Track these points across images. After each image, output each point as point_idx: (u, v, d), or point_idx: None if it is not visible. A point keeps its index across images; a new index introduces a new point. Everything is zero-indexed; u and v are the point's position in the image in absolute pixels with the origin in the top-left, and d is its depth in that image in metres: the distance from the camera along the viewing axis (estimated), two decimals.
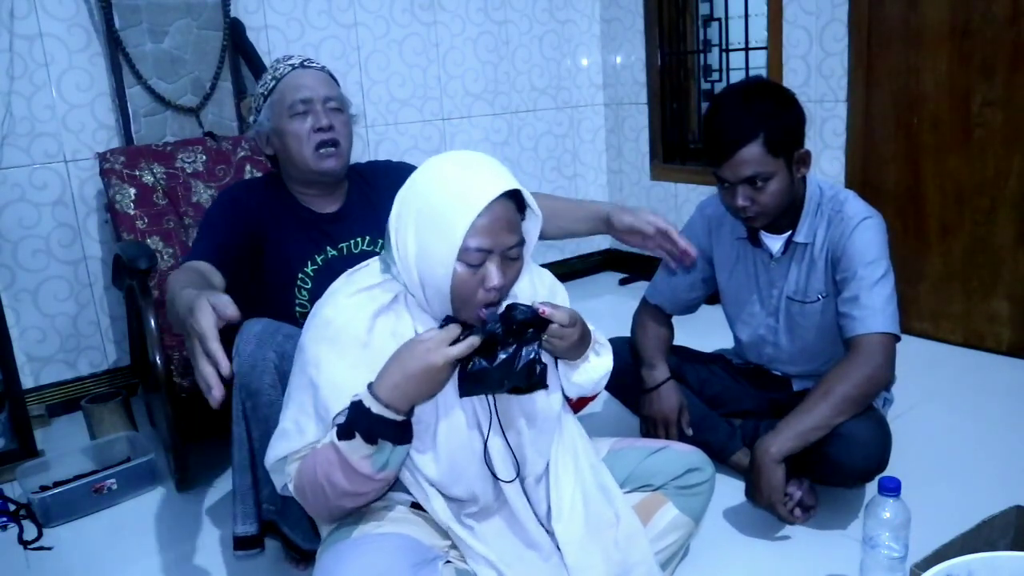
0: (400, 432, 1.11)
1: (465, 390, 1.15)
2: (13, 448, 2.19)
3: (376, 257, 1.27)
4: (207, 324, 1.05)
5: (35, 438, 2.23)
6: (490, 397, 1.21)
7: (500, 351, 1.12)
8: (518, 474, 1.27)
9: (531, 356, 1.13)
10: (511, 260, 1.15)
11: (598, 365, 1.31)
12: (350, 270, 1.28)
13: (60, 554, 1.79)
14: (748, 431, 1.88)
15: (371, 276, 1.22)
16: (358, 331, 1.16)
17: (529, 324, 1.13)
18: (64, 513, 1.90)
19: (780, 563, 1.57)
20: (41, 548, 1.81)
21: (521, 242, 1.16)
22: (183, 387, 2.00)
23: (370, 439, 1.09)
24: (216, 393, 1.05)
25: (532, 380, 1.15)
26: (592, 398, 1.47)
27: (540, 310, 1.14)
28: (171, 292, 1.29)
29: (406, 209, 1.15)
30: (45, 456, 2.19)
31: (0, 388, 2.17)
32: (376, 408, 1.09)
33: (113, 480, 1.96)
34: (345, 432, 1.10)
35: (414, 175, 1.17)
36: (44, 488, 1.96)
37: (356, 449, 1.10)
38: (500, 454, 1.24)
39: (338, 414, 1.13)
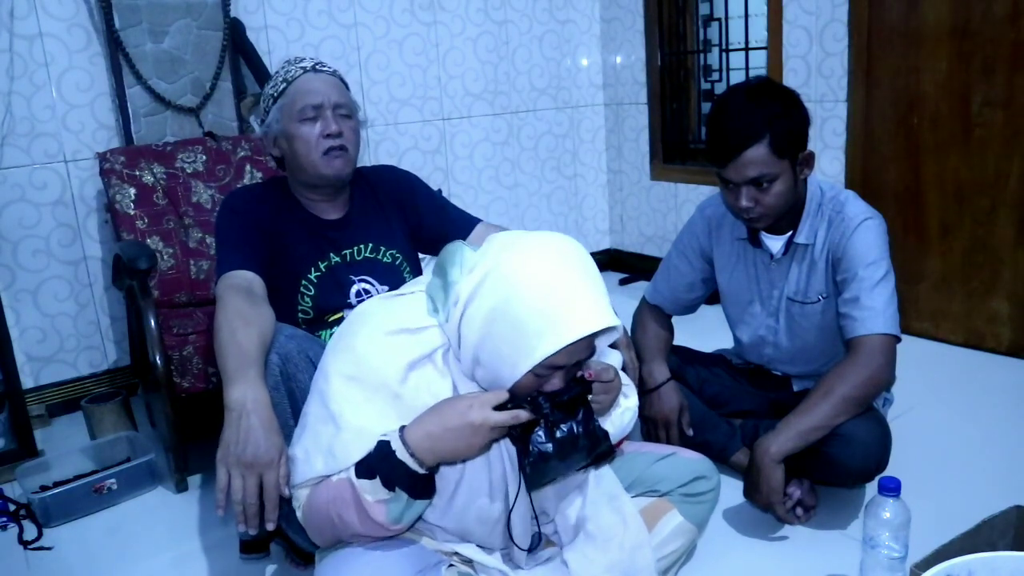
0: (419, 486, 1.07)
1: (533, 483, 1.09)
2: (13, 448, 2.19)
3: (422, 285, 1.19)
4: (276, 483, 1.18)
5: (35, 438, 2.23)
6: (520, 471, 1.15)
7: (556, 432, 1.06)
8: (538, 537, 1.25)
9: (590, 426, 1.08)
10: (576, 366, 1.12)
11: (627, 408, 1.30)
12: (390, 293, 1.23)
13: (60, 554, 1.79)
14: (748, 431, 1.88)
15: (417, 315, 1.14)
16: (390, 379, 1.10)
17: (579, 398, 1.08)
18: (64, 513, 1.90)
19: (780, 563, 1.57)
20: (41, 548, 1.81)
21: (592, 353, 1.13)
22: (183, 387, 2.00)
23: (388, 484, 1.06)
24: (251, 532, 1.20)
25: (599, 451, 1.10)
26: (617, 446, 1.43)
27: (587, 374, 1.11)
28: (222, 325, 1.33)
29: (485, 292, 1.06)
30: (45, 456, 2.19)
31: (0, 388, 2.17)
32: (401, 453, 1.05)
33: (113, 480, 1.96)
34: (365, 471, 1.07)
35: (503, 256, 1.07)
36: (44, 488, 1.96)
37: (372, 490, 1.06)
38: (522, 519, 1.21)
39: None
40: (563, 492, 1.29)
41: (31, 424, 2.24)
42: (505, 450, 1.16)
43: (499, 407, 1.06)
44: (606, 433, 1.11)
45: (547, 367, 1.06)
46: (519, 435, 1.08)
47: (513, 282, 1.04)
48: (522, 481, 1.16)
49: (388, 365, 1.11)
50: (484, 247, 1.12)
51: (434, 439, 1.05)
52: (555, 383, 1.09)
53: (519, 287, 1.04)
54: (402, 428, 1.08)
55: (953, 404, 2.22)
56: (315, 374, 1.19)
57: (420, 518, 1.19)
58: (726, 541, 1.65)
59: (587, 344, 1.08)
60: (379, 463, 1.06)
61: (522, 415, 1.05)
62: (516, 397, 1.08)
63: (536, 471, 1.07)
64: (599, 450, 1.10)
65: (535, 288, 1.03)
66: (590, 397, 1.11)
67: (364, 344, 1.12)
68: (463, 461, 1.12)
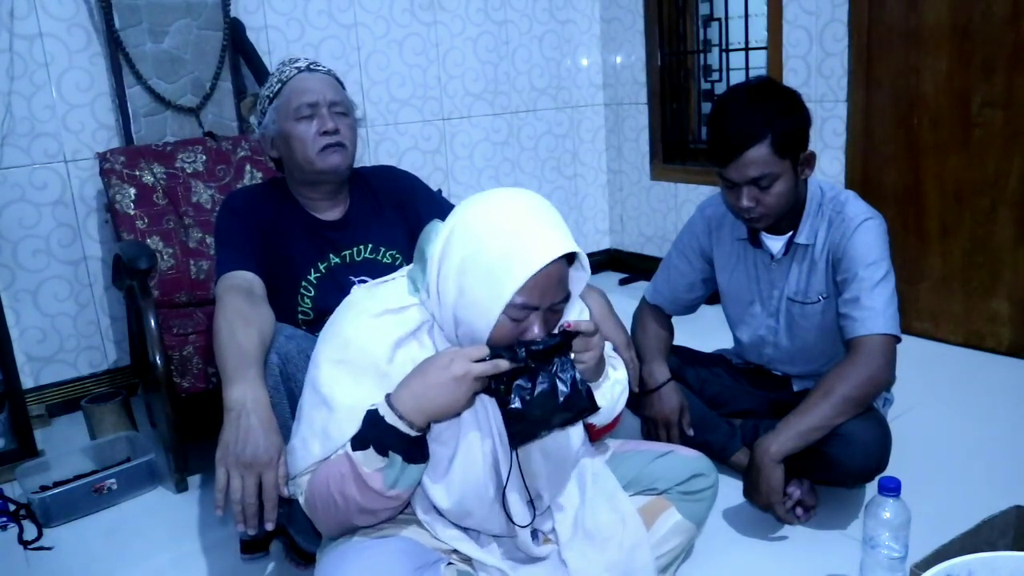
0: (411, 448, 1.08)
1: (518, 437, 1.08)
2: (13, 448, 2.19)
3: (404, 272, 1.22)
4: (275, 482, 1.19)
5: (35, 438, 2.23)
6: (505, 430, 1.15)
7: (537, 381, 1.07)
8: (534, 517, 1.24)
9: (571, 379, 1.08)
10: (553, 313, 1.12)
11: (615, 380, 1.29)
12: (373, 282, 1.24)
13: (60, 554, 1.79)
14: (748, 431, 1.88)
15: (398, 296, 1.17)
16: (377, 358, 1.12)
17: (557, 348, 1.08)
18: (64, 513, 1.90)
19: (780, 563, 1.57)
20: (41, 548, 1.81)
21: (567, 297, 1.13)
22: (183, 387, 2.00)
23: (381, 450, 1.07)
24: (250, 532, 1.20)
25: (582, 405, 1.09)
26: (612, 426, 1.41)
27: (566, 323, 1.11)
28: (222, 325, 1.34)
29: (453, 248, 1.09)
30: (45, 456, 2.19)
31: (0, 388, 2.17)
32: (390, 418, 1.06)
33: (113, 480, 1.96)
34: (359, 443, 1.08)
35: (466, 212, 1.11)
36: (44, 488, 1.96)
37: (368, 461, 1.07)
38: (517, 497, 1.22)
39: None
40: (555, 476, 1.28)
41: (31, 424, 2.24)
42: (495, 422, 1.17)
43: (480, 361, 1.06)
44: (589, 390, 1.11)
45: (520, 307, 1.06)
46: (504, 389, 1.07)
47: (476, 232, 1.08)
48: (514, 458, 1.17)
49: (375, 345, 1.13)
50: (451, 213, 1.15)
51: (419, 397, 1.06)
52: (533, 330, 1.09)
53: (483, 235, 1.07)
54: (388, 395, 1.09)
55: (953, 404, 2.22)
56: (309, 366, 1.20)
57: (420, 486, 1.19)
58: (726, 541, 1.65)
59: (557, 281, 1.08)
60: (370, 431, 1.08)
61: (502, 364, 1.06)
62: (496, 351, 1.08)
63: (518, 422, 1.07)
64: (582, 405, 1.09)
65: (496, 232, 1.06)
66: (572, 355, 1.11)
67: (350, 328, 1.14)
68: (453, 416, 1.12)
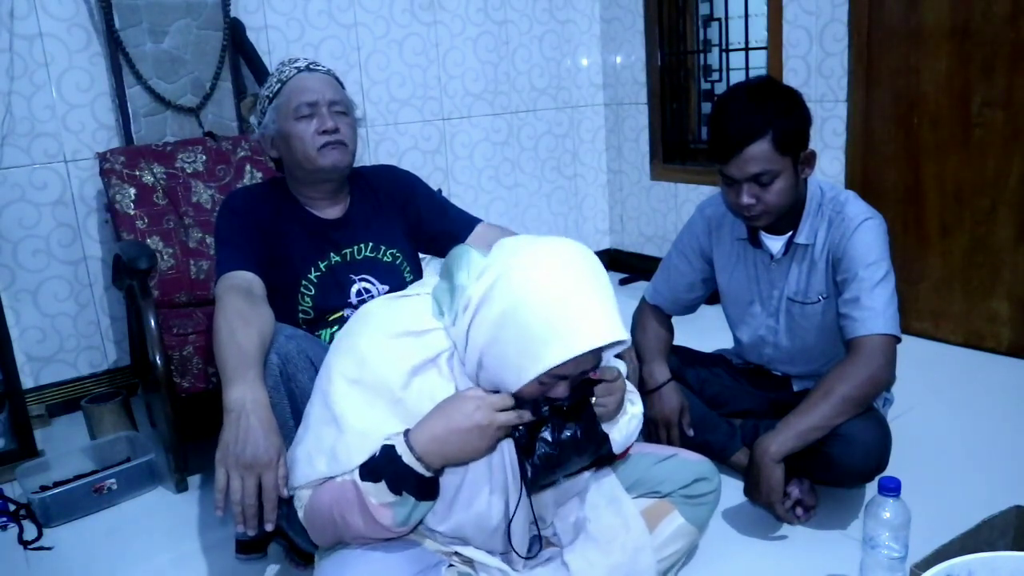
0: (426, 488, 1.07)
1: (536, 485, 1.09)
2: (13, 448, 2.19)
3: (427, 287, 1.19)
4: (274, 483, 1.18)
5: (35, 438, 2.23)
6: (520, 475, 1.15)
7: (559, 434, 1.07)
8: (538, 537, 1.24)
9: (592, 431, 1.08)
10: (582, 375, 1.11)
11: (633, 415, 1.29)
12: (395, 294, 1.22)
13: (60, 554, 1.79)
14: (748, 431, 1.88)
15: (420, 317, 1.13)
16: (392, 384, 1.09)
17: (581, 404, 1.08)
18: (64, 513, 1.90)
19: (780, 563, 1.57)
20: (41, 548, 1.81)
21: (599, 363, 1.12)
22: (183, 387, 2.00)
23: (395, 489, 1.05)
24: (250, 532, 1.19)
25: (600, 454, 1.10)
26: (623, 454, 1.41)
27: (591, 373, 1.10)
28: (222, 326, 1.33)
29: (494, 298, 1.04)
30: (45, 456, 2.19)
31: (0, 388, 2.17)
32: (407, 458, 1.05)
33: (113, 480, 1.96)
34: (369, 474, 1.06)
35: (513, 262, 1.06)
36: (44, 488, 1.96)
37: (377, 494, 1.06)
38: (521, 526, 1.21)
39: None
40: (562, 499, 1.28)
41: (31, 424, 2.24)
42: (508, 457, 1.16)
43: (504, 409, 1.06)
44: (606, 436, 1.11)
45: (552, 376, 1.05)
46: (525, 435, 1.07)
47: (522, 289, 1.03)
48: (523, 488, 1.16)
49: (391, 369, 1.10)
50: (494, 252, 1.11)
51: (440, 442, 1.05)
52: (559, 391, 1.08)
53: (528, 294, 1.03)
54: (406, 432, 1.07)
55: (953, 404, 2.22)
56: (319, 372, 1.19)
57: (422, 520, 1.19)
58: (726, 541, 1.65)
59: (594, 355, 1.07)
60: (385, 467, 1.06)
61: (526, 415, 1.06)
62: (519, 401, 1.08)
63: (538, 473, 1.08)
64: (600, 453, 1.11)
65: (544, 296, 1.02)
66: (594, 400, 1.11)
67: (367, 346, 1.11)
68: (469, 461, 1.12)
